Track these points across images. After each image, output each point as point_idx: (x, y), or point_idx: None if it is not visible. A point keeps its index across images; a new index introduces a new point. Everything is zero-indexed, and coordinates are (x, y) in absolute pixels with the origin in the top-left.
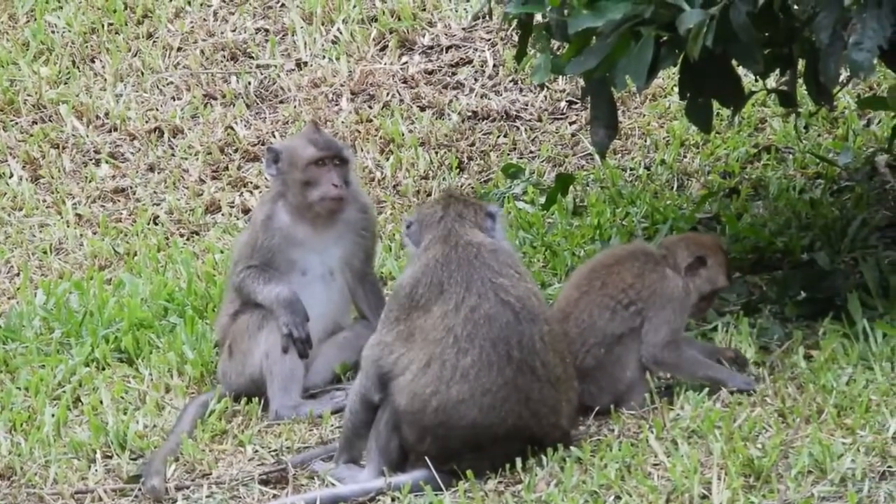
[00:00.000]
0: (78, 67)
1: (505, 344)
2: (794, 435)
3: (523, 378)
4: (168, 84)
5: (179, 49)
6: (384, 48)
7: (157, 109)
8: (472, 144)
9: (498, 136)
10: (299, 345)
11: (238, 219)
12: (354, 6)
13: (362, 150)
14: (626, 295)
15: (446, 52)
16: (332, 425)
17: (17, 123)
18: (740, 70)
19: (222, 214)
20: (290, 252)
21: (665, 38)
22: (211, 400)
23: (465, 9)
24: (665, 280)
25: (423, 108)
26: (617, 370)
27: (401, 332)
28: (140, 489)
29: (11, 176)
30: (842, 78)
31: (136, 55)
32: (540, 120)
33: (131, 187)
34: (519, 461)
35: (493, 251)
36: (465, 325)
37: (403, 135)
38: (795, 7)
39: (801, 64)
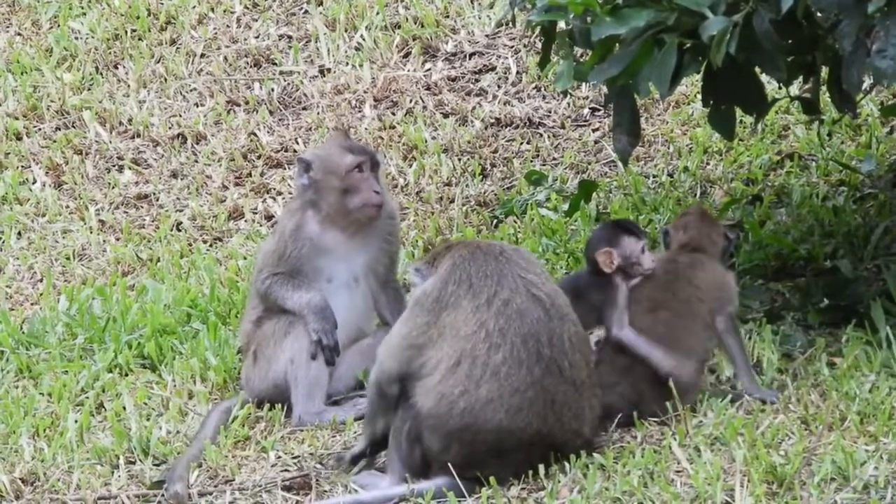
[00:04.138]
0: (101, 73)
1: (535, 340)
2: (817, 442)
3: (551, 378)
4: (191, 90)
5: (202, 55)
6: (407, 55)
7: (181, 116)
8: (495, 151)
9: (521, 143)
10: (327, 352)
11: (261, 225)
12: (378, 13)
13: (385, 156)
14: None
15: (469, 59)
16: (355, 432)
17: (40, 130)
18: (763, 77)
19: (245, 221)
20: (317, 261)
21: (688, 45)
22: (234, 406)
23: (488, 16)
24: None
25: (446, 115)
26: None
27: (431, 335)
28: (163, 495)
29: (35, 182)
30: (865, 85)
31: (159, 61)
32: (563, 127)
33: (154, 193)
34: (542, 468)
35: (516, 250)
36: (497, 319)
37: (426, 141)
38: (818, 14)
39: (824, 71)
